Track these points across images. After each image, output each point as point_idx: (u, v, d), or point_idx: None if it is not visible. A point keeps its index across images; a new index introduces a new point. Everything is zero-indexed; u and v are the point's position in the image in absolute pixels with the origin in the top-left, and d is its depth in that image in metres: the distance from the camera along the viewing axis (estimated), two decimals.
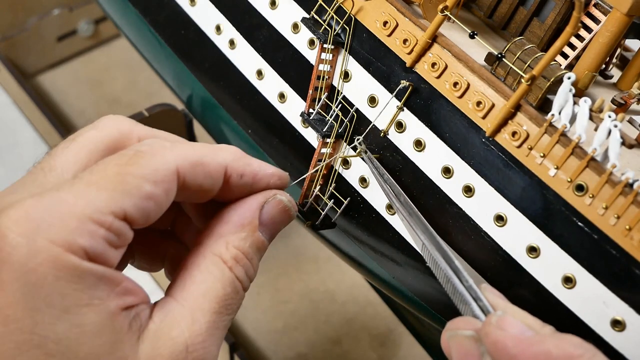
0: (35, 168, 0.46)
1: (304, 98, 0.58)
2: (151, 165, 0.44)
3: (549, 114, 0.48)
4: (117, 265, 0.44)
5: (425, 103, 0.52)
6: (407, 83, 0.52)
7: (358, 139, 0.54)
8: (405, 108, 0.52)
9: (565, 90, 0.47)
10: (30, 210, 0.41)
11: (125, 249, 0.44)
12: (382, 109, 0.53)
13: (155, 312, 0.44)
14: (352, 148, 0.55)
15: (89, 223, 0.41)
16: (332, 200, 0.56)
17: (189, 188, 0.46)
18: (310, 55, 0.57)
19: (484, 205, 0.49)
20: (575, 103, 0.47)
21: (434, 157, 0.51)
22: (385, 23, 0.53)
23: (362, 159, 0.54)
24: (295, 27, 0.58)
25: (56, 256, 0.40)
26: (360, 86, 0.55)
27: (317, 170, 0.56)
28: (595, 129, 0.47)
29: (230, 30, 0.62)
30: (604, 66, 0.60)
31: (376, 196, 0.55)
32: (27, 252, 0.40)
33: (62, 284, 0.40)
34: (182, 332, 0.44)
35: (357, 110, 0.55)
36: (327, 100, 0.56)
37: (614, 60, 0.60)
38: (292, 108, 0.59)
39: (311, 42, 0.57)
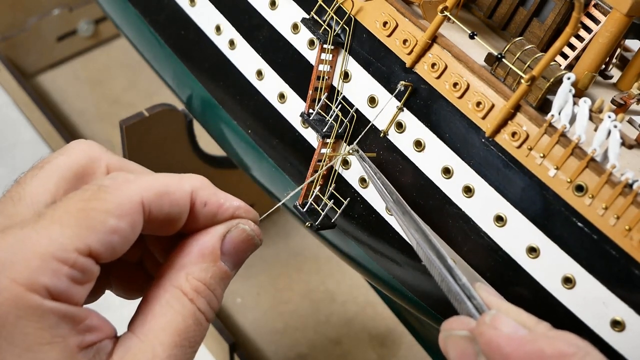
0: (5, 197, 0.46)
1: (304, 98, 0.58)
2: (115, 199, 0.44)
3: (549, 115, 0.48)
4: (90, 296, 0.45)
5: (425, 103, 0.52)
6: (407, 83, 0.52)
7: (352, 146, 0.55)
8: (405, 108, 0.52)
9: (565, 91, 0.47)
10: None
11: (94, 283, 0.44)
12: (382, 109, 0.53)
13: (116, 348, 0.44)
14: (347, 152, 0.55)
15: (52, 261, 0.41)
16: (332, 201, 0.56)
17: (156, 218, 0.46)
18: (310, 56, 0.57)
19: (484, 205, 0.49)
20: (575, 103, 0.47)
21: (433, 157, 0.51)
22: (385, 23, 0.53)
23: (356, 157, 0.54)
24: (295, 27, 0.58)
25: (18, 295, 0.40)
26: (360, 86, 0.55)
27: (312, 181, 0.56)
28: (595, 130, 0.47)
29: (230, 31, 0.62)
30: (603, 66, 0.60)
31: (376, 197, 0.55)
32: None
33: (24, 322, 0.41)
34: None
35: (357, 111, 0.55)
36: (327, 101, 0.56)
37: (614, 60, 0.60)
38: (292, 108, 0.59)
39: (311, 43, 0.57)
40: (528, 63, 0.49)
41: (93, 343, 0.44)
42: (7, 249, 0.41)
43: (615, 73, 0.61)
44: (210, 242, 0.47)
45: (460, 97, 0.50)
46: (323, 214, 0.56)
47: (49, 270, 0.41)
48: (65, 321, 0.42)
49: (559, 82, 0.49)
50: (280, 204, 0.56)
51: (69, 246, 0.42)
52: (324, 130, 0.55)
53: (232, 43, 0.62)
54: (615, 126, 0.45)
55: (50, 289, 0.41)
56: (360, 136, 0.54)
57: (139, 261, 0.53)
